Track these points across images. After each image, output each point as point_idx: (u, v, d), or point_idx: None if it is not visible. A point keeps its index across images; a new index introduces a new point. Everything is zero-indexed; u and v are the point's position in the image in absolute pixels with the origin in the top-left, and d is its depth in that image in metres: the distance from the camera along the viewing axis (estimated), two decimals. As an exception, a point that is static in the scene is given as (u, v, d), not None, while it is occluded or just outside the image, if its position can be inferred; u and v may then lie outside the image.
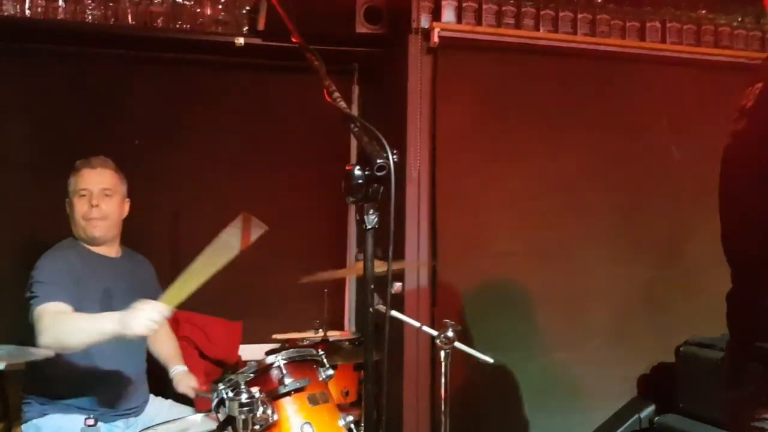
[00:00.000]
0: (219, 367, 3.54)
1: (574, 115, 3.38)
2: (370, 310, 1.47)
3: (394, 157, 1.39)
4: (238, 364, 3.62)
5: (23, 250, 3.22)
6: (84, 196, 2.70)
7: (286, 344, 3.47)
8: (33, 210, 3.41)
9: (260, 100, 3.77)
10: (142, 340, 2.89)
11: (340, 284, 3.77)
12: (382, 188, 1.40)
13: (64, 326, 2.40)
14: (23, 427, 2.64)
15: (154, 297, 2.98)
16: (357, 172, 1.40)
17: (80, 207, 2.69)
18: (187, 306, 3.48)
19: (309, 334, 3.46)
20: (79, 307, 2.57)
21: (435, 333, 2.29)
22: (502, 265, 3.27)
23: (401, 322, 2.64)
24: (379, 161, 1.37)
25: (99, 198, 2.70)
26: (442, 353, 2.27)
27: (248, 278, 3.70)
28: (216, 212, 3.69)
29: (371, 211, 1.42)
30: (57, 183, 2.83)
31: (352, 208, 3.84)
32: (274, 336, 3.45)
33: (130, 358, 2.75)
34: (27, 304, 2.54)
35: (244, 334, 3.63)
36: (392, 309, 2.56)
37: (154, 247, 3.21)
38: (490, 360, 2.36)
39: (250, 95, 3.76)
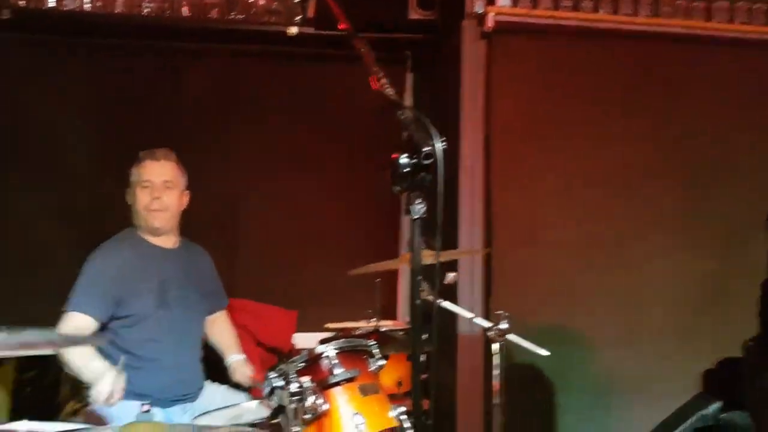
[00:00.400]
0: (274, 355, 3.58)
1: (634, 100, 3.26)
2: (417, 301, 1.44)
3: (442, 144, 1.35)
4: (293, 353, 3.65)
5: (83, 240, 3.32)
6: (147, 187, 2.74)
7: (339, 333, 3.48)
8: (94, 200, 3.50)
9: (313, 91, 3.77)
10: (199, 328, 2.94)
11: (393, 274, 3.75)
12: (429, 177, 1.36)
13: (68, 357, 2.52)
14: (87, 410, 2.72)
15: (211, 287, 3.05)
16: (403, 160, 1.37)
17: (142, 198, 2.74)
18: (243, 294, 3.59)
19: (362, 324, 3.46)
20: (134, 298, 2.65)
21: (488, 324, 2.24)
22: (557, 255, 3.19)
23: (455, 313, 2.60)
24: (425, 149, 1.34)
25: (161, 190, 2.75)
26: (495, 345, 2.22)
27: (303, 268, 3.74)
28: (270, 202, 3.76)
29: (418, 201, 1.39)
30: (117, 174, 2.90)
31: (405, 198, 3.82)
32: (328, 325, 3.47)
33: (186, 346, 2.79)
34: None
35: (299, 322, 3.65)
36: (445, 300, 2.52)
37: (211, 238, 3.25)
38: (545, 352, 2.30)
39: (303, 85, 3.77)
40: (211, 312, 3.03)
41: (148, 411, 1.83)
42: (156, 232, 2.79)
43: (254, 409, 2.63)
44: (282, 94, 3.76)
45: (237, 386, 3.00)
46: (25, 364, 3.85)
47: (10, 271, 3.46)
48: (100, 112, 3.59)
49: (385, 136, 3.78)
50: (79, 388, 3.85)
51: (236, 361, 2.96)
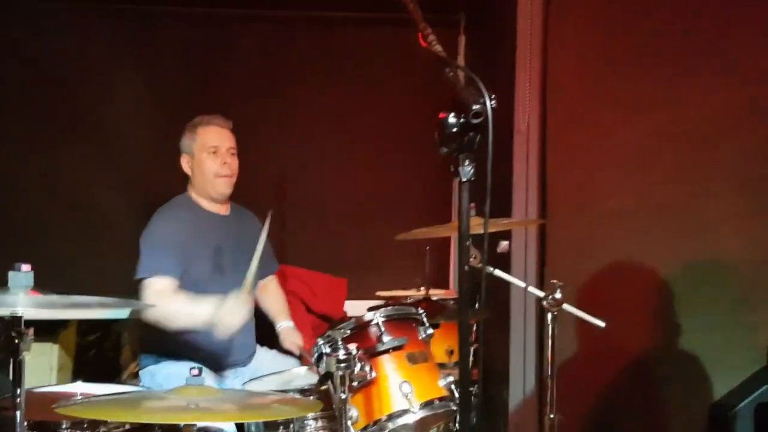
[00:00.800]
0: (325, 322, 3.59)
1: (702, 57, 3.04)
2: (465, 267, 1.37)
3: (492, 102, 1.27)
4: (344, 320, 3.65)
5: (138, 206, 3.37)
6: (214, 153, 2.74)
7: (389, 301, 3.45)
8: (147, 166, 3.54)
9: (362, 55, 3.70)
10: (251, 293, 2.95)
11: (445, 242, 3.69)
12: (478, 137, 1.28)
13: (166, 311, 2.51)
14: (141, 373, 2.78)
15: (264, 253, 3.04)
16: (451, 119, 1.29)
17: (212, 164, 2.74)
18: (294, 261, 3.59)
19: (413, 292, 3.42)
20: (189, 266, 2.66)
21: (542, 294, 2.16)
22: (617, 222, 3.05)
23: (507, 281, 2.53)
24: (475, 107, 1.26)
25: (227, 156, 2.76)
26: (549, 315, 2.14)
27: (354, 234, 3.71)
28: (320, 168, 3.73)
29: (467, 162, 1.32)
30: (170, 140, 2.91)
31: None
32: (378, 293, 3.44)
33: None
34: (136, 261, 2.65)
35: (350, 290, 3.64)
36: (497, 268, 2.45)
37: (262, 205, 3.24)
38: (602, 323, 2.21)
39: (352, 50, 3.70)
40: (262, 277, 3.04)
41: (198, 375, 1.82)
42: (220, 198, 2.80)
43: (303, 375, 2.64)
44: (331, 59, 3.71)
45: (287, 352, 3.03)
46: (87, 328, 3.98)
47: (69, 237, 3.54)
48: (153, 80, 3.61)
49: (436, 99, 3.73)
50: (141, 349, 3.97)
51: (285, 328, 2.97)
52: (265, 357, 2.88)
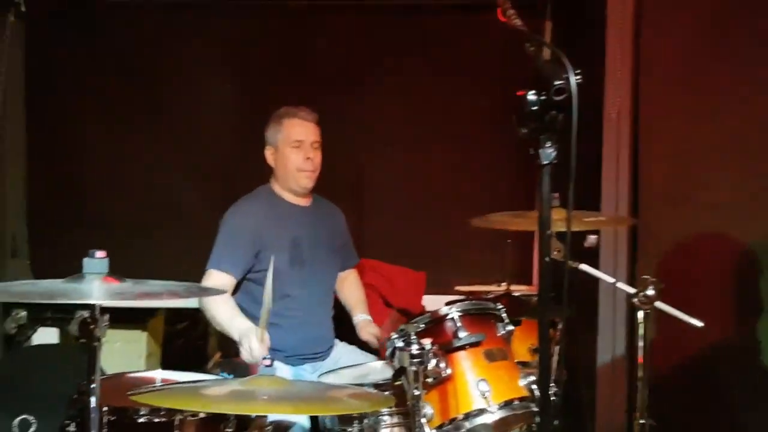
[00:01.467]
0: (403, 317, 3.53)
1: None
2: (546, 258, 1.27)
3: (578, 78, 1.16)
4: (421, 315, 3.58)
5: (218, 197, 3.40)
6: (298, 147, 2.73)
7: (469, 296, 3.35)
8: (230, 156, 3.56)
9: (444, 42, 3.60)
10: (331, 285, 2.93)
11: (528, 235, 3.54)
12: (561, 116, 1.18)
13: (210, 306, 2.57)
14: (221, 363, 2.81)
15: (342, 245, 3.02)
16: (531, 97, 1.19)
17: (295, 158, 2.72)
18: (372, 254, 3.55)
19: (493, 287, 3.31)
20: (266, 257, 2.64)
21: (633, 291, 2.02)
22: (716, 217, 2.82)
23: (595, 277, 2.39)
24: (557, 83, 1.16)
25: (311, 150, 2.74)
26: (641, 313, 2.00)
27: (433, 228, 3.63)
28: (400, 160, 3.66)
29: (548, 144, 1.21)
30: (250, 133, 2.92)
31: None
32: (457, 288, 3.35)
33: (318, 305, 2.79)
34: None
35: (429, 284, 3.56)
36: (584, 263, 2.31)
37: (341, 198, 3.21)
38: (699, 323, 2.04)
39: (434, 37, 3.61)
40: (342, 269, 3.02)
41: (270, 365, 1.80)
42: (301, 192, 2.79)
43: (379, 369, 2.59)
44: (411, 47, 3.62)
45: (366, 346, 2.99)
46: (174, 316, 4.09)
47: (151, 227, 3.62)
48: (235, 72, 3.63)
49: (518, 86, 3.59)
50: (225, 340, 4.05)
51: (363, 320, 2.93)
52: (343, 351, 2.85)
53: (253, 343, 2.33)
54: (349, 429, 2.19)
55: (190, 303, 3.69)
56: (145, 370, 2.86)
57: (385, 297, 3.51)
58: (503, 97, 3.60)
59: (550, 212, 1.25)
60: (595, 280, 2.71)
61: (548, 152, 1.21)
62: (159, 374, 2.32)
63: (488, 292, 3.31)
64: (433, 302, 3.53)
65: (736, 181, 2.81)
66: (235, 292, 2.70)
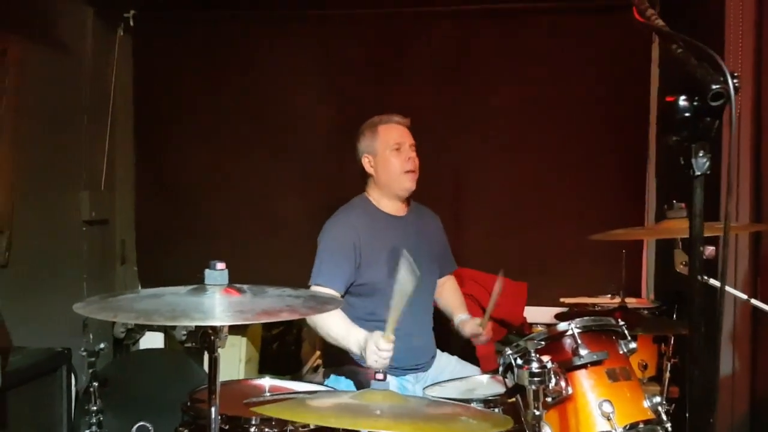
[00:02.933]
0: (503, 327, 3.44)
1: None
2: (699, 278, 1.18)
3: (736, 82, 1.07)
4: (523, 326, 3.48)
5: (317, 208, 3.42)
6: (398, 150, 2.72)
7: (574, 308, 3.23)
8: (328, 165, 3.58)
9: (545, 46, 3.48)
10: (431, 295, 2.89)
11: (637, 246, 3.38)
12: (717, 122, 1.08)
13: (324, 323, 2.54)
14: (325, 370, 2.81)
15: (441, 251, 2.98)
16: (682, 102, 1.10)
17: (396, 161, 2.71)
18: (470, 264, 3.47)
19: (601, 300, 3.17)
20: (368, 267, 2.64)
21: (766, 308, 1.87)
22: None
23: (710, 289, 2.23)
24: (714, 87, 1.06)
25: (410, 151, 2.73)
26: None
27: (535, 238, 3.51)
28: (497, 167, 3.57)
29: (701, 153, 1.12)
30: (348, 140, 2.92)
31: (651, 158, 3.40)
32: (563, 300, 3.23)
33: (419, 314, 2.75)
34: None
35: (531, 296, 3.45)
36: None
37: (438, 207, 3.16)
38: None
39: (536, 41, 3.50)
40: (441, 276, 2.97)
41: (383, 380, 1.76)
42: (404, 195, 2.77)
43: (485, 384, 2.52)
44: (511, 51, 3.53)
45: (466, 356, 2.92)
46: (270, 323, 4.15)
47: (257, 237, 3.67)
48: (330, 81, 3.64)
49: (624, 89, 3.46)
50: (324, 345, 4.07)
51: (465, 319, 2.87)
52: (447, 363, 2.80)
53: (381, 344, 2.31)
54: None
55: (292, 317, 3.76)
56: (253, 377, 2.92)
57: (484, 307, 3.43)
58: (609, 99, 3.49)
59: (701, 227, 1.15)
60: (713, 293, 2.55)
61: (702, 162, 1.12)
62: (267, 382, 2.33)
63: (595, 305, 3.18)
64: (534, 314, 3.45)
65: None
66: None
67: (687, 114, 1.10)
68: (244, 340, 4.00)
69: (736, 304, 2.73)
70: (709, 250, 2.69)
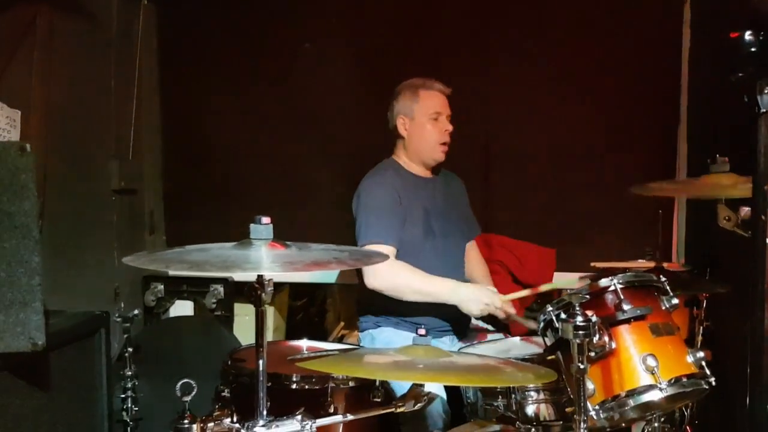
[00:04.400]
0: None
1: None
2: (762, 218, 1.15)
3: (806, 13, 1.04)
4: (553, 291, 3.47)
5: (346, 167, 3.41)
6: (436, 119, 2.70)
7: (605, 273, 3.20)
8: (354, 130, 3.55)
9: (574, 5, 3.42)
10: (462, 256, 2.89)
11: (668, 209, 3.34)
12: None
13: (402, 281, 2.53)
14: (360, 335, 2.82)
15: (467, 214, 2.97)
16: (748, 37, 1.08)
17: (432, 130, 2.70)
18: (501, 230, 3.46)
19: (634, 264, 3.15)
20: (403, 231, 2.63)
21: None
22: None
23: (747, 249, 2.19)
24: (784, 20, 1.04)
25: (447, 123, 2.72)
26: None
27: (564, 202, 3.48)
28: (527, 126, 3.52)
29: (767, 90, 1.09)
30: (377, 103, 2.90)
31: (683, 120, 3.34)
32: (594, 264, 3.21)
33: (453, 274, 2.75)
34: (352, 225, 2.67)
35: (561, 261, 3.44)
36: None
37: (466, 172, 3.14)
38: None
39: (562, 11, 3.44)
40: (468, 239, 2.96)
41: (424, 335, 1.77)
42: (433, 165, 2.77)
43: (520, 345, 2.52)
44: (535, 13, 3.47)
45: (491, 322, 2.92)
46: (296, 291, 4.17)
47: (287, 204, 3.67)
48: (357, 43, 3.58)
49: (653, 49, 3.39)
50: (349, 314, 4.08)
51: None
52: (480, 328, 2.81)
53: (497, 301, 2.47)
54: (495, 404, 2.14)
55: (311, 278, 3.77)
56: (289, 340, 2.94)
57: (514, 274, 3.43)
58: (639, 60, 3.41)
59: (767, 166, 1.13)
60: (745, 255, 2.52)
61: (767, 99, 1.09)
62: (304, 343, 2.35)
63: (627, 270, 3.15)
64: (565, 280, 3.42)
65: None
66: None
67: (753, 49, 1.07)
68: (271, 309, 4.03)
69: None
70: (745, 210, 2.67)
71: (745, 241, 2.63)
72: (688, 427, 2.82)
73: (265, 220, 1.59)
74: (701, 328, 2.81)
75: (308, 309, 4.41)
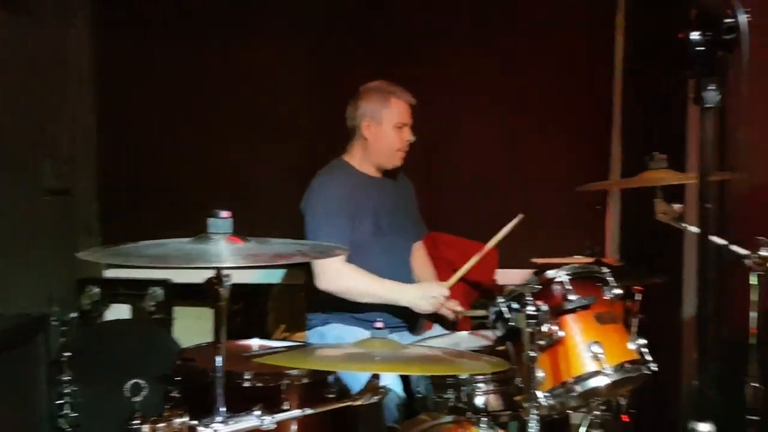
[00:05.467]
0: (475, 290, 3.50)
1: None
2: (706, 206, 1.23)
3: (747, 16, 1.12)
4: (494, 288, 3.55)
5: (288, 165, 3.40)
6: (401, 129, 2.75)
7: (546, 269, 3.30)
8: (307, 130, 3.54)
9: (516, 11, 3.52)
10: (410, 255, 2.92)
11: (605, 204, 3.48)
12: (730, 56, 1.14)
13: (351, 284, 2.57)
14: (308, 333, 2.81)
15: (415, 214, 3.02)
16: (695, 37, 1.15)
17: (397, 139, 2.75)
18: (445, 229, 3.52)
19: (572, 260, 3.26)
20: (353, 230, 2.65)
21: (745, 252, 1.97)
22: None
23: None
24: (727, 20, 1.12)
25: (409, 133, 2.78)
26: (754, 276, 1.95)
27: (505, 200, 3.57)
28: (472, 127, 3.59)
29: (711, 87, 1.17)
30: (330, 104, 2.89)
31: (617, 121, 3.49)
32: (534, 260, 3.30)
33: (401, 273, 2.79)
34: (301, 225, 2.67)
35: (501, 258, 3.52)
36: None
37: (413, 171, 3.18)
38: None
39: (502, 19, 3.54)
40: (415, 240, 3.01)
41: (381, 329, 1.79)
42: (387, 168, 2.81)
43: (468, 339, 2.58)
44: (472, 15, 3.55)
45: (439, 320, 2.97)
46: (234, 294, 4.10)
47: (229, 204, 3.60)
48: (306, 36, 3.57)
49: (592, 54, 3.52)
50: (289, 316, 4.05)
51: None
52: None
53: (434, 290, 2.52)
54: (446, 396, 2.19)
55: (250, 279, 3.73)
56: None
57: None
58: (576, 64, 3.52)
59: (711, 159, 1.21)
60: (680, 247, 2.66)
61: (712, 95, 1.17)
62: (256, 342, 2.33)
63: (568, 264, 3.26)
64: (505, 276, 3.51)
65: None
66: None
67: (700, 48, 1.15)
68: (210, 312, 3.96)
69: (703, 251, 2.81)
70: (678, 206, 2.80)
71: (676, 236, 2.78)
72: (624, 417, 2.95)
73: (224, 214, 1.58)
74: (635, 320, 2.94)
75: (248, 311, 4.35)
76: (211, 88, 3.60)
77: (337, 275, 2.54)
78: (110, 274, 3.69)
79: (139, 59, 3.62)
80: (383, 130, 2.73)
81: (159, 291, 3.52)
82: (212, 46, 3.59)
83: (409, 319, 2.76)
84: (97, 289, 3.58)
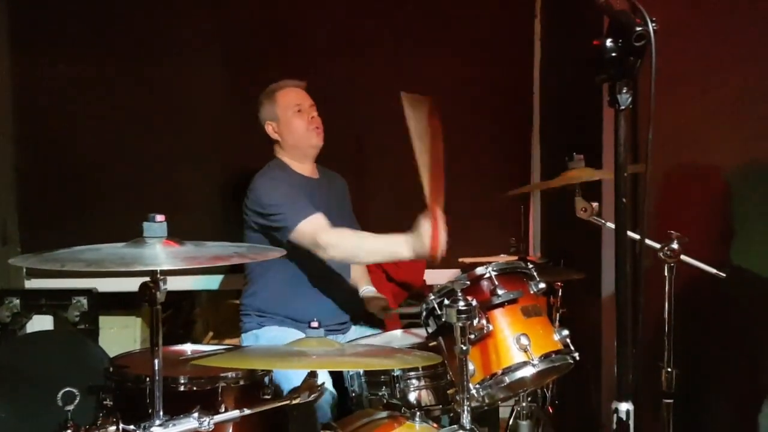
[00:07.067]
0: (405, 290, 3.58)
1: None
2: (623, 201, 1.33)
3: (654, 25, 1.22)
4: (423, 288, 3.63)
5: (213, 170, 3.40)
6: (300, 110, 2.78)
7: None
8: (229, 135, 3.51)
9: (439, 11, 3.62)
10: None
11: (523, 202, 3.61)
12: (640, 61, 1.24)
13: (355, 244, 2.56)
14: (243, 336, 2.80)
15: (349, 214, 3.06)
16: (609, 44, 1.25)
17: (299, 121, 2.79)
18: (373, 229, 3.55)
19: (497, 258, 3.37)
20: None
21: (658, 246, 2.11)
22: (717, 177, 2.86)
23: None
24: (638, 29, 1.22)
25: (312, 111, 2.82)
26: (667, 268, 2.09)
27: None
28: (398, 129, 3.63)
29: (624, 90, 1.27)
30: (243, 105, 2.90)
31: (536, 112, 3.64)
32: (462, 260, 3.40)
33: (338, 273, 2.82)
34: (267, 229, 2.66)
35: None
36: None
37: (342, 169, 3.22)
38: (722, 275, 2.14)
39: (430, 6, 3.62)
40: None
41: (317, 328, 1.82)
42: (312, 152, 2.84)
43: (400, 337, 2.64)
44: (394, 17, 3.62)
45: (370, 319, 3.03)
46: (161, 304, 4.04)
47: (149, 209, 3.54)
48: (223, 45, 3.54)
49: (512, 58, 3.66)
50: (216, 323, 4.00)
51: (369, 292, 2.99)
52: (357, 329, 2.90)
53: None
54: (380, 393, 2.24)
55: (176, 286, 3.68)
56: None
57: (387, 272, 3.55)
58: (497, 66, 3.64)
59: (625, 159, 1.31)
60: (598, 243, 2.80)
61: (625, 97, 1.27)
62: (189, 347, 2.32)
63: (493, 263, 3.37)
64: (434, 276, 3.60)
65: (734, 144, 2.80)
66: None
67: (614, 54, 1.24)
68: (138, 320, 3.89)
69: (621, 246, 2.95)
70: (595, 204, 2.94)
71: (594, 233, 2.93)
72: (549, 407, 3.08)
73: (159, 218, 1.58)
74: (558, 314, 3.08)
75: (175, 319, 4.28)
76: (134, 93, 3.51)
77: (337, 240, 2.53)
78: (32, 284, 3.56)
79: (59, 61, 3.50)
80: (283, 122, 2.80)
81: (83, 300, 3.42)
82: (133, 53, 3.51)
83: (344, 321, 2.80)
84: (16, 300, 3.45)
